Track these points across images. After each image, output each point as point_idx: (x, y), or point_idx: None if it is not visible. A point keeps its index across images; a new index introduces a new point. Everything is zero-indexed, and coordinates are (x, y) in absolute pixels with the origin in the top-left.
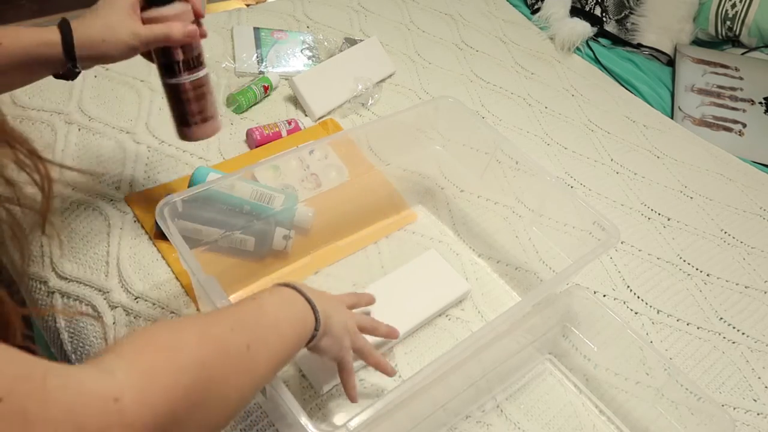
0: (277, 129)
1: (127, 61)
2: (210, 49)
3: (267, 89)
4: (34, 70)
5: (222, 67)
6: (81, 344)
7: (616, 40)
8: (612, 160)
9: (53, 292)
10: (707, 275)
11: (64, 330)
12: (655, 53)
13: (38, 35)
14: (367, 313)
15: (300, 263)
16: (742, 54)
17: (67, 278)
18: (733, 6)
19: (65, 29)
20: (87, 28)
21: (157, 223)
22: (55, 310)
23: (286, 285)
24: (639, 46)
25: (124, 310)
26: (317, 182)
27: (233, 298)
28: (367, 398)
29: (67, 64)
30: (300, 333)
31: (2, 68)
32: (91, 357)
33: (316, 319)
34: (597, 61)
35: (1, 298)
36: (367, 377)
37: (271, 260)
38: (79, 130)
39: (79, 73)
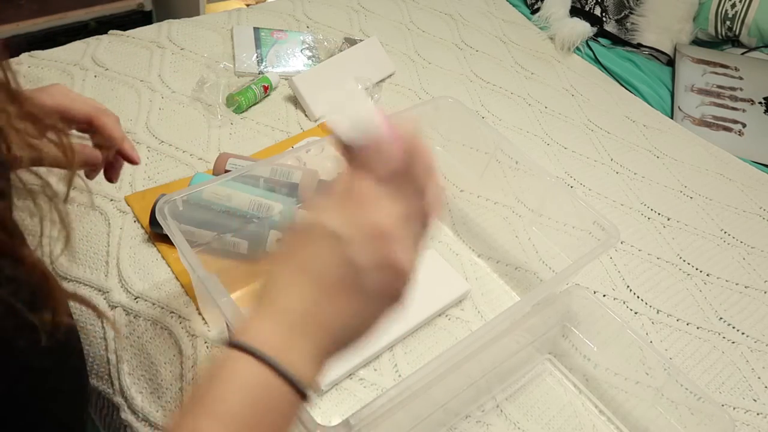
0: None
1: (128, 62)
2: (210, 48)
3: (267, 89)
4: None
5: (221, 67)
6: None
7: (616, 40)
8: (612, 160)
9: None
10: (707, 275)
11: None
12: (655, 53)
13: None
14: None
15: None
16: (742, 54)
17: (66, 278)
18: (733, 6)
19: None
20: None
21: (151, 223)
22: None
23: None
24: (639, 46)
25: (124, 310)
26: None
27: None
28: (367, 396)
29: None
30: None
31: None
32: None
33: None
34: (597, 60)
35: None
36: (367, 377)
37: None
38: None
39: None
